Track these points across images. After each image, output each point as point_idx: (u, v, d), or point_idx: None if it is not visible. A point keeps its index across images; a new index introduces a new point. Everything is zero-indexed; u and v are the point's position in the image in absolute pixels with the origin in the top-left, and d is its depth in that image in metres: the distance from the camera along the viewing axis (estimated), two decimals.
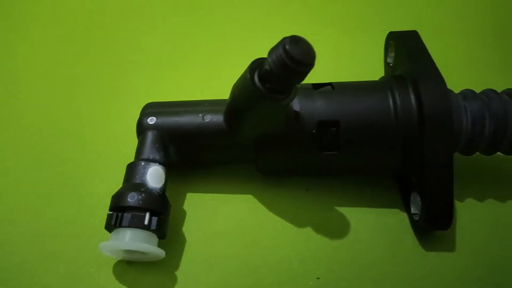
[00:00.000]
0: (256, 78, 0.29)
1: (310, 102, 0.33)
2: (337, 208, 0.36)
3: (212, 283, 0.32)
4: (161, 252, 0.30)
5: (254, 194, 0.37)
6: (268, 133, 0.33)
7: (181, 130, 0.33)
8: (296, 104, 0.33)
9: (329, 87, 0.35)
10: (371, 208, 0.36)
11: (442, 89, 0.32)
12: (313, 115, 0.33)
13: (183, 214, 0.35)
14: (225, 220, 0.35)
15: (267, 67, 0.28)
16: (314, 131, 0.33)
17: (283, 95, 0.29)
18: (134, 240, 0.29)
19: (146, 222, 0.29)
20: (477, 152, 0.36)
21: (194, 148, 0.34)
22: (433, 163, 0.31)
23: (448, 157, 0.31)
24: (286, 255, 0.33)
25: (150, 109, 0.35)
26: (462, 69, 0.47)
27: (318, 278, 0.32)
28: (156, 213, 0.30)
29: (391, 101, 0.33)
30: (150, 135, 0.33)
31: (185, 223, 0.35)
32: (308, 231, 0.35)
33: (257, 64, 0.29)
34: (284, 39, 0.27)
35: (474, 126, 0.34)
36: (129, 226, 0.29)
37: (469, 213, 0.36)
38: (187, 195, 0.36)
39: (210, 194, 0.37)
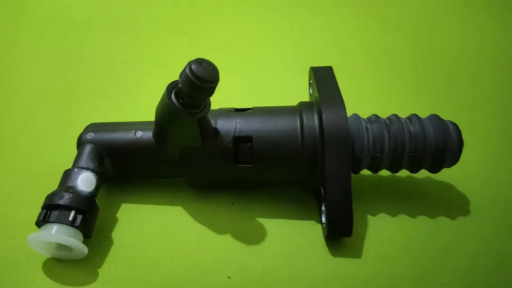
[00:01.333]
0: (172, 96, 0.34)
1: (228, 121, 0.38)
2: (258, 219, 0.40)
3: (131, 280, 0.35)
4: (83, 248, 0.34)
5: (183, 206, 0.40)
6: (190, 147, 0.37)
7: (114, 144, 0.38)
8: (216, 123, 0.38)
9: (249, 110, 0.40)
10: (290, 219, 0.40)
11: (341, 113, 0.36)
12: (229, 132, 0.38)
13: (115, 221, 0.39)
14: (153, 228, 0.39)
15: (179, 85, 0.33)
16: (230, 145, 0.37)
17: (196, 110, 0.34)
18: (58, 233, 0.33)
19: (70, 218, 0.33)
20: (394, 172, 0.40)
21: (127, 161, 0.39)
22: (332, 177, 0.36)
23: (346, 171, 0.36)
24: (203, 258, 0.37)
25: (91, 127, 0.40)
26: (378, 98, 0.53)
27: (229, 277, 0.35)
28: (82, 212, 0.34)
29: (298, 123, 0.38)
30: (87, 148, 0.38)
31: (115, 229, 0.38)
32: (227, 238, 0.38)
33: (173, 84, 0.34)
34: (190, 61, 0.32)
35: (375, 145, 0.38)
36: (55, 222, 0.33)
37: (379, 225, 0.40)
38: (122, 205, 0.40)
39: (143, 205, 0.40)
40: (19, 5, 0.68)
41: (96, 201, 0.36)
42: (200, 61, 0.32)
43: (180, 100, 0.34)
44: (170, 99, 0.34)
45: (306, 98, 0.46)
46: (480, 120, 0.51)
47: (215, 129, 0.38)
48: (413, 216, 0.41)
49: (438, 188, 0.43)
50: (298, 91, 0.51)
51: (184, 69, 0.32)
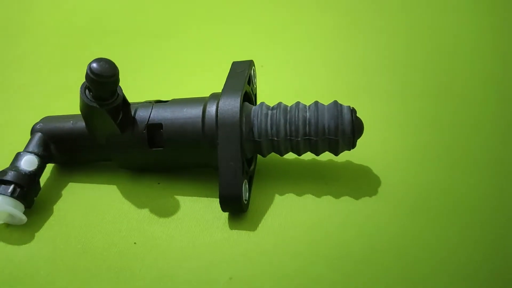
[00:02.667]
0: (86, 92, 0.41)
1: (145, 111, 0.44)
2: (177, 197, 0.46)
3: (59, 240, 0.42)
4: (22, 215, 0.42)
5: (117, 185, 0.47)
6: (112, 135, 0.44)
7: (55, 132, 0.46)
8: (135, 113, 0.44)
9: (168, 102, 0.46)
10: (204, 197, 0.45)
11: (234, 101, 0.41)
12: (144, 120, 0.44)
13: (59, 196, 0.47)
14: (88, 203, 0.46)
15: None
16: (144, 131, 0.43)
17: (107, 102, 0.41)
18: (1, 202, 0.41)
19: (10, 190, 0.42)
20: (298, 155, 0.44)
21: (67, 147, 0.47)
22: (223, 158, 0.40)
23: (235, 153, 0.40)
24: (118, 227, 0.43)
25: (44, 119, 0.48)
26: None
27: (135, 243, 0.42)
28: (21, 186, 0.42)
29: (201, 111, 0.43)
30: (36, 136, 0.46)
31: (58, 202, 0.46)
32: (145, 212, 0.44)
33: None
34: (91, 61, 0.39)
35: (272, 130, 0.42)
36: None
37: (284, 203, 0.44)
38: (69, 184, 0.48)
39: (86, 184, 0.48)
40: None
41: (39, 179, 0.45)
42: (98, 60, 0.39)
43: (91, 94, 0.41)
44: (83, 93, 0.41)
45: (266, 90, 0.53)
46: (389, 105, 0.53)
47: (134, 118, 0.44)
48: (318, 196, 0.44)
49: (348, 171, 0.46)
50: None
51: (86, 69, 0.39)
